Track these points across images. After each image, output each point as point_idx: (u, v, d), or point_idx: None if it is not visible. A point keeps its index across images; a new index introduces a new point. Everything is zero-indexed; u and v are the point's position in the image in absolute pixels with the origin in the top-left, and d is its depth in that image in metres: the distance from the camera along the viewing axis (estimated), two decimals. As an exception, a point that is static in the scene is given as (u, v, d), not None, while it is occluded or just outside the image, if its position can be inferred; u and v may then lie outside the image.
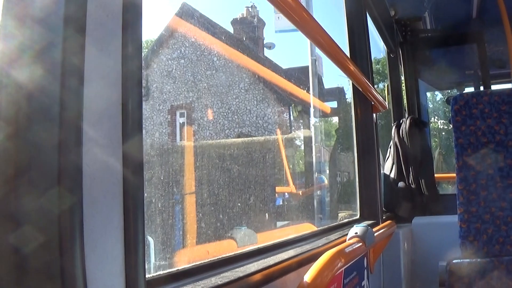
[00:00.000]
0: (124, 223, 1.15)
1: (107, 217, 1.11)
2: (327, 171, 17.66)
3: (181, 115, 22.96)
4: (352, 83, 4.06)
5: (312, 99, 16.20)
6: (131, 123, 1.18)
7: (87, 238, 1.01)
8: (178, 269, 1.70)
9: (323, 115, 19.03)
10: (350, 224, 3.76)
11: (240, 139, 17.64)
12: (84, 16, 1.04)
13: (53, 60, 0.98)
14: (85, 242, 1.00)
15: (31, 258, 0.94)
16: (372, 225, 3.40)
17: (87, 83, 1.03)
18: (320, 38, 2.61)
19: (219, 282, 1.68)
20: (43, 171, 0.96)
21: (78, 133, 1.00)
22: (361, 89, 3.74)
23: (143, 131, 1.24)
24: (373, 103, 4.20)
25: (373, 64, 4.72)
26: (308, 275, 1.99)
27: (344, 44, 4.22)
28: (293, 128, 22.55)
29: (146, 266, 1.22)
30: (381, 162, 4.72)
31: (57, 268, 0.95)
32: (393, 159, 5.32)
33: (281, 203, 15.22)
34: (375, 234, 3.12)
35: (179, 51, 23.63)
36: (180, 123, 22.80)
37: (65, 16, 0.99)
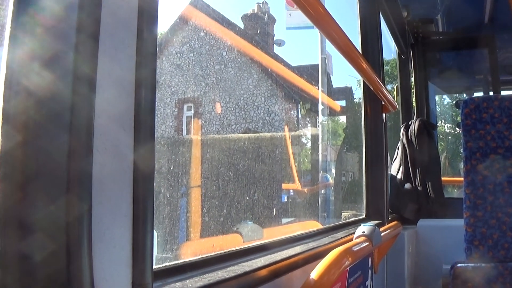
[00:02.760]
0: (132, 214, 1.14)
1: (116, 206, 1.10)
2: (333, 170, 17.68)
3: (188, 108, 22.98)
4: (363, 81, 4.05)
5: (321, 97, 16.20)
6: (143, 125, 1.17)
7: (95, 228, 1.01)
8: (185, 261, 1.70)
9: (331, 113, 19.05)
10: (356, 223, 3.75)
11: (247, 135, 17.66)
12: (98, 22, 1.03)
13: (65, 67, 0.97)
14: (92, 232, 0.99)
15: (40, 250, 0.94)
16: (378, 225, 3.38)
17: (100, 90, 1.03)
18: (334, 34, 2.60)
19: (226, 276, 1.68)
20: (54, 177, 0.95)
21: (89, 139, 1.00)
22: (372, 88, 3.73)
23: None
24: (383, 102, 4.18)
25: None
26: (315, 272, 1.98)
27: (355, 42, 4.22)
28: (300, 125, 22.57)
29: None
30: (388, 163, 4.71)
31: (64, 257, 0.94)
32: (400, 160, 5.31)
33: (286, 200, 15.24)
34: (381, 234, 3.11)
35: (188, 45, 23.66)
36: (187, 116, 22.82)
37: (78, 23, 0.98)
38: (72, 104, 0.96)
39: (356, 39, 4.32)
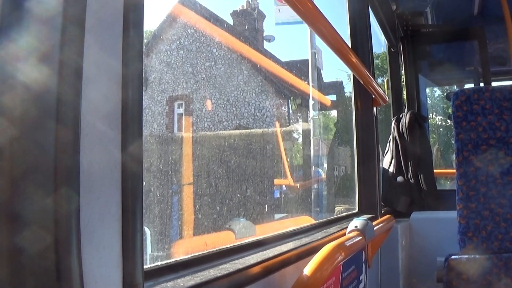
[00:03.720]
0: (122, 213, 1.13)
1: (105, 206, 1.09)
2: (325, 165, 17.70)
3: (179, 106, 22.97)
4: (353, 76, 4.04)
5: (311, 92, 16.21)
6: (131, 122, 1.16)
7: (84, 228, 1.00)
8: (176, 260, 1.69)
9: (322, 108, 19.07)
10: (348, 217, 3.75)
11: (238, 131, 17.68)
12: (84, 13, 1.02)
13: (52, 63, 0.96)
14: (81, 232, 0.98)
15: (28, 251, 0.92)
16: (371, 219, 3.37)
17: (87, 82, 1.02)
18: (323, 28, 2.59)
19: (218, 274, 1.67)
20: (42, 175, 0.94)
21: (76, 137, 0.99)
22: (362, 82, 3.73)
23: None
24: (373, 96, 4.18)
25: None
26: (308, 268, 1.97)
27: (345, 36, 4.21)
28: (291, 121, 22.57)
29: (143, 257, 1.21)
30: (380, 156, 4.71)
31: (53, 259, 0.93)
32: (392, 154, 5.31)
33: (278, 195, 15.26)
34: (374, 228, 3.11)
35: (178, 42, 23.65)
36: (178, 114, 22.81)
37: (64, 14, 0.97)
38: (59, 95, 0.95)
39: (346, 34, 4.32)
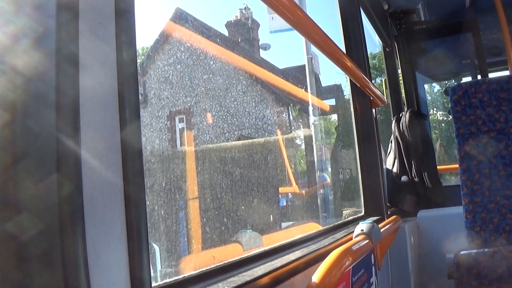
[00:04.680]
0: (127, 233, 1.14)
1: (109, 227, 1.10)
2: (329, 169, 17.69)
3: (180, 120, 23.00)
4: (350, 79, 4.04)
5: (310, 98, 16.21)
6: (128, 111, 1.18)
7: (90, 250, 1.00)
8: (184, 276, 1.69)
9: (322, 113, 19.06)
10: (355, 221, 3.74)
11: (240, 142, 17.68)
12: (77, 1, 1.03)
13: (48, 46, 0.97)
14: (88, 254, 0.99)
15: (35, 274, 0.93)
16: (378, 221, 3.38)
17: (82, 69, 1.02)
18: (315, 35, 2.59)
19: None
20: (41, 159, 0.95)
21: (75, 121, 1.00)
22: (359, 85, 3.73)
23: (143, 138, 1.23)
24: (371, 98, 4.18)
25: (370, 59, 4.70)
26: (316, 275, 1.97)
27: (339, 40, 4.21)
28: (293, 127, 22.58)
29: (152, 275, 1.21)
30: (383, 157, 4.71)
31: (61, 280, 0.93)
32: (394, 154, 5.31)
33: (284, 203, 15.25)
34: (381, 230, 3.10)
35: (175, 57, 23.68)
36: (179, 128, 22.83)
37: (57, 2, 0.98)
38: (56, 83, 0.96)
39: (340, 38, 4.33)
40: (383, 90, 6.03)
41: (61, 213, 0.94)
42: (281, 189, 14.82)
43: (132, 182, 1.16)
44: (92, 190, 1.05)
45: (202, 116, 22.87)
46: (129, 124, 1.17)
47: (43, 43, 0.97)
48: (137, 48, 1.25)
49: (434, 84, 16.24)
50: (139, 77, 1.27)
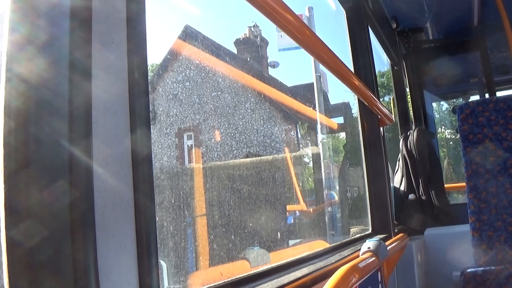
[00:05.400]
0: (137, 249, 1.15)
1: (120, 243, 1.11)
2: (337, 187, 17.66)
3: (189, 137, 23.01)
4: (358, 98, 4.06)
5: (319, 116, 16.22)
6: (138, 119, 1.20)
7: (101, 265, 1.02)
8: (192, 292, 1.70)
9: (330, 131, 19.06)
10: (362, 239, 3.75)
11: (248, 159, 17.66)
12: (90, 10, 1.06)
13: (61, 54, 0.99)
14: (99, 270, 1.01)
15: (45, 280, 0.95)
16: (385, 239, 3.38)
17: (94, 78, 1.05)
18: (323, 54, 2.61)
19: (234, 304, 1.68)
20: (53, 167, 0.97)
21: (87, 128, 1.02)
22: (367, 103, 3.74)
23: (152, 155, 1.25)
24: (379, 116, 4.19)
25: (378, 78, 4.71)
26: (323, 292, 1.99)
27: (347, 59, 4.23)
28: (301, 145, 22.57)
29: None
30: (390, 175, 4.71)
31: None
32: (402, 172, 5.31)
33: (292, 221, 15.23)
34: (388, 248, 3.11)
35: (184, 74, 23.72)
36: (188, 145, 22.85)
37: (71, 11, 1.01)
38: (69, 91, 0.98)
39: (348, 55, 4.34)
40: (391, 108, 6.04)
41: (72, 220, 0.96)
42: (288, 207, 14.81)
43: (141, 190, 1.18)
44: (103, 198, 1.06)
45: (211, 133, 22.90)
46: (139, 132, 1.19)
47: (56, 51, 0.99)
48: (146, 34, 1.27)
49: (442, 102, 16.20)
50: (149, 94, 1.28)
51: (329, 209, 15.72)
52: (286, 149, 21.54)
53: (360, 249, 2.93)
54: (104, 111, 1.10)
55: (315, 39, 2.42)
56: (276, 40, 20.84)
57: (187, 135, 22.86)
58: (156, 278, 1.20)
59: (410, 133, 5.35)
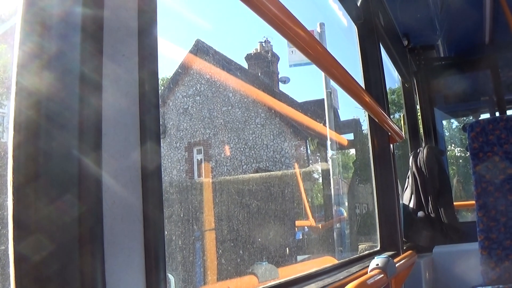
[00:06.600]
0: (145, 263, 1.15)
1: (128, 257, 1.11)
2: (346, 204, 17.66)
3: (198, 151, 23.05)
4: (368, 115, 4.05)
5: (329, 132, 16.22)
6: (148, 131, 1.19)
7: (109, 279, 1.02)
8: (200, 306, 1.70)
9: (340, 147, 19.05)
10: (370, 256, 3.74)
11: (258, 174, 17.67)
12: (101, 22, 1.06)
13: (70, 66, 0.99)
14: (106, 283, 1.01)
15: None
16: (393, 256, 3.37)
17: (104, 90, 1.05)
18: (334, 70, 2.61)
19: (241, 319, 1.68)
20: (63, 180, 0.97)
21: (97, 141, 1.02)
22: (377, 120, 3.73)
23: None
24: (389, 133, 4.18)
25: (388, 95, 4.71)
26: (331, 309, 1.98)
27: (358, 75, 4.23)
28: (310, 161, 22.57)
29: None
30: (399, 192, 4.70)
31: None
32: (411, 189, 5.30)
33: (301, 236, 15.22)
34: (396, 265, 3.10)
35: (194, 88, 23.78)
36: (197, 159, 22.88)
37: (82, 23, 1.01)
38: (79, 103, 0.99)
39: (359, 71, 4.34)
40: (401, 126, 6.04)
41: (80, 233, 0.96)
42: (297, 222, 14.81)
43: (150, 204, 1.17)
44: (112, 212, 1.06)
45: (220, 148, 22.93)
46: (149, 146, 1.18)
47: (66, 63, 0.99)
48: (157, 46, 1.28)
49: (452, 120, 16.20)
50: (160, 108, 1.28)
51: (338, 225, 15.70)
52: (296, 165, 21.54)
53: (368, 266, 2.92)
54: (114, 124, 1.10)
55: (326, 55, 2.42)
56: (287, 56, 20.86)
57: (197, 149, 22.91)
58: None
59: (420, 150, 5.34)
